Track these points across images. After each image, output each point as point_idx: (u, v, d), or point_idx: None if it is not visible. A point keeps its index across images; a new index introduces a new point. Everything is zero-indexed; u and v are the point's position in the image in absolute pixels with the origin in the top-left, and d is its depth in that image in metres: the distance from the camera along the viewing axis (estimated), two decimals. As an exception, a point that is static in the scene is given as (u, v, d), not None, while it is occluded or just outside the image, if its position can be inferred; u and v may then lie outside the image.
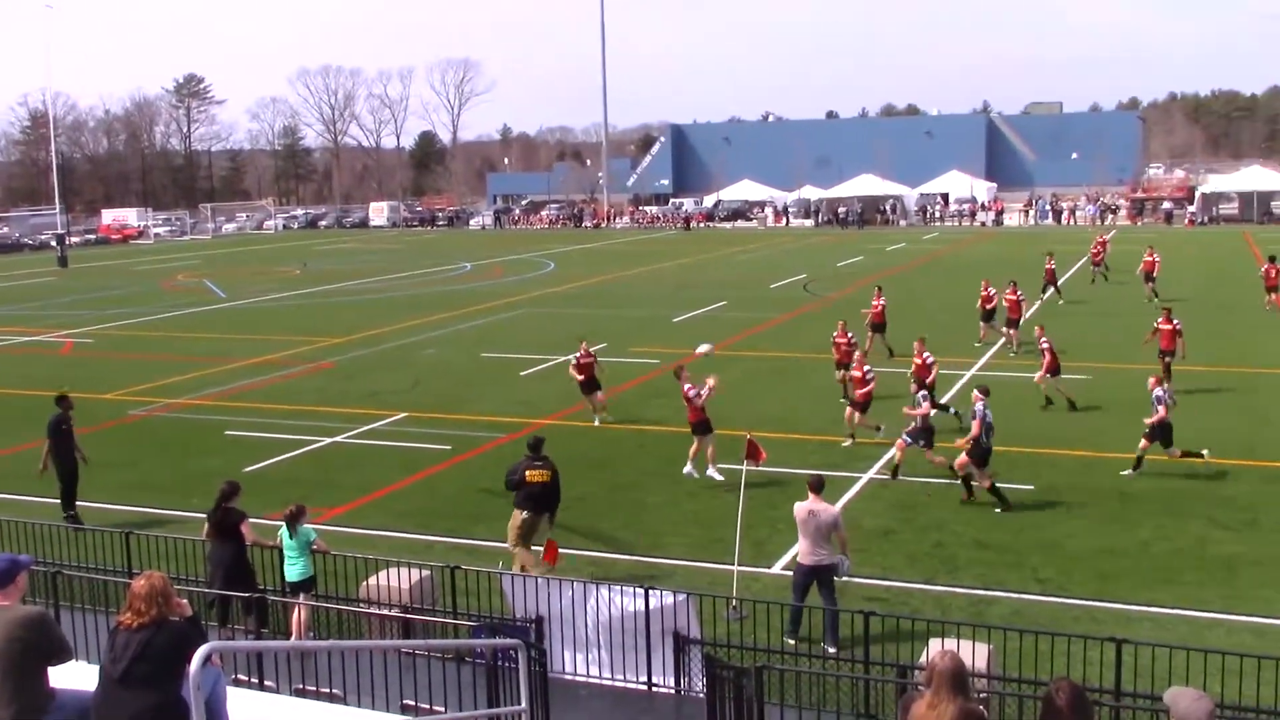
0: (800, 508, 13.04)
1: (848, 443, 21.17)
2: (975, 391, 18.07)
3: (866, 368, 21.48)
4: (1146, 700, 9.96)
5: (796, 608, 12.92)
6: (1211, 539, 15.94)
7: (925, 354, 22.10)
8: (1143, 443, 18.91)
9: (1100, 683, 10.43)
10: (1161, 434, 18.74)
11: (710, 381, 19.38)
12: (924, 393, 19.47)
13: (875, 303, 30.38)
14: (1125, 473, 18.93)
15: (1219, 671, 10.07)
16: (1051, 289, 39.93)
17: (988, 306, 31.28)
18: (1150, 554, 15.48)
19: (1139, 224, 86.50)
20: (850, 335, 25.13)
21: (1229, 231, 75.14)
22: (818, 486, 13.19)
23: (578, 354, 23.82)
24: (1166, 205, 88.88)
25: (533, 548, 14.71)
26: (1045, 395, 24.05)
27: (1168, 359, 24.53)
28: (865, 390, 21.06)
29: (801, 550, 13.06)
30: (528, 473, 14.69)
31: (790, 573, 14.82)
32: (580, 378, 23.56)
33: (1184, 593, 14.12)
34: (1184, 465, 19.41)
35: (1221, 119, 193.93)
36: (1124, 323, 34.14)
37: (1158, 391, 18.87)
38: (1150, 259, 39.95)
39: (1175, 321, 25.07)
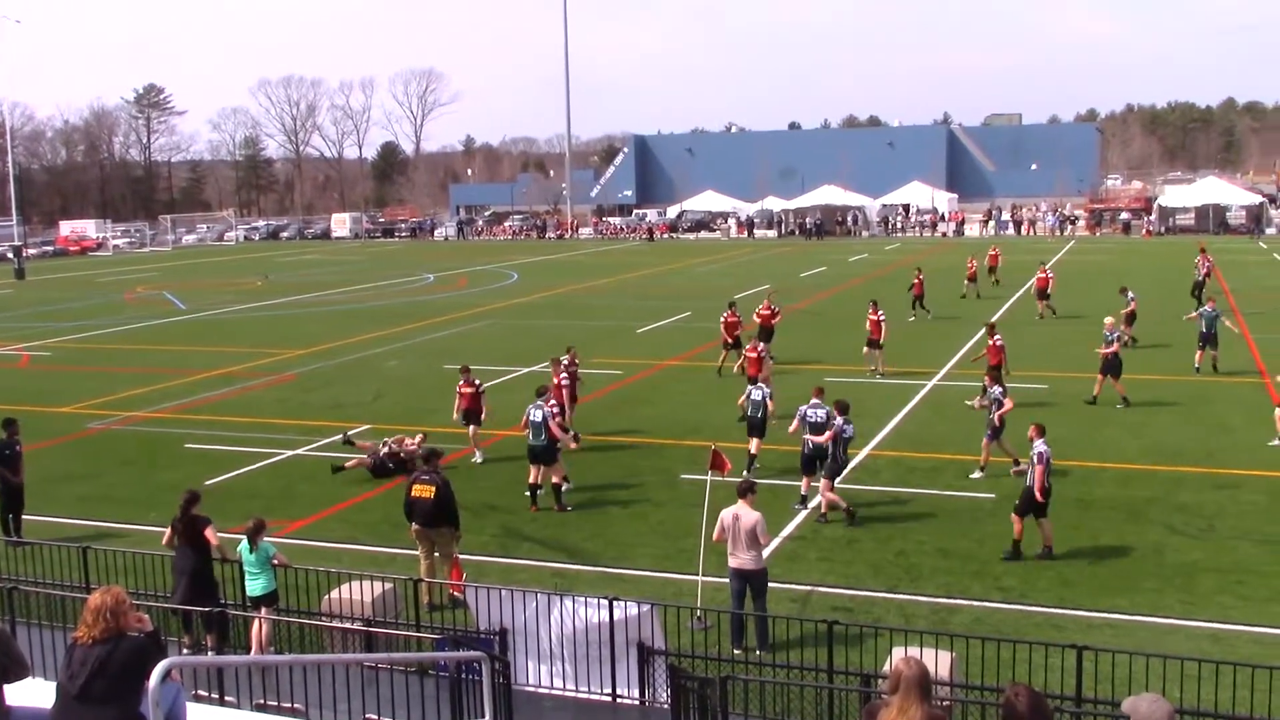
0: (726, 513, 13.16)
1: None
2: (833, 407, 18.00)
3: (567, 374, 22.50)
4: (1107, 706, 10.04)
5: (735, 615, 13.03)
6: (1170, 546, 16.11)
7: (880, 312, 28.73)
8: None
9: (1062, 689, 10.50)
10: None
11: None
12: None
13: (727, 315, 29.73)
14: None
15: (1178, 677, 10.20)
16: (919, 306, 39.09)
17: (770, 324, 30.50)
18: (1110, 561, 15.61)
19: (1097, 234, 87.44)
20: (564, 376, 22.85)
21: (1185, 242, 76.03)
22: (744, 491, 13.32)
23: (461, 381, 21.72)
24: (1124, 216, 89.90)
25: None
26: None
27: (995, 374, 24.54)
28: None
29: (729, 555, 13.18)
30: (414, 487, 14.71)
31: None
32: (464, 407, 21.51)
33: (1143, 599, 14.26)
34: (1146, 473, 19.67)
35: (1178, 130, 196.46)
36: (1074, 333, 34.50)
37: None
38: (1043, 276, 39.53)
39: (997, 337, 25.23)
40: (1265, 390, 26.11)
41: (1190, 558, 15.62)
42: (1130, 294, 32.74)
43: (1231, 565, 15.31)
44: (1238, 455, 20.75)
